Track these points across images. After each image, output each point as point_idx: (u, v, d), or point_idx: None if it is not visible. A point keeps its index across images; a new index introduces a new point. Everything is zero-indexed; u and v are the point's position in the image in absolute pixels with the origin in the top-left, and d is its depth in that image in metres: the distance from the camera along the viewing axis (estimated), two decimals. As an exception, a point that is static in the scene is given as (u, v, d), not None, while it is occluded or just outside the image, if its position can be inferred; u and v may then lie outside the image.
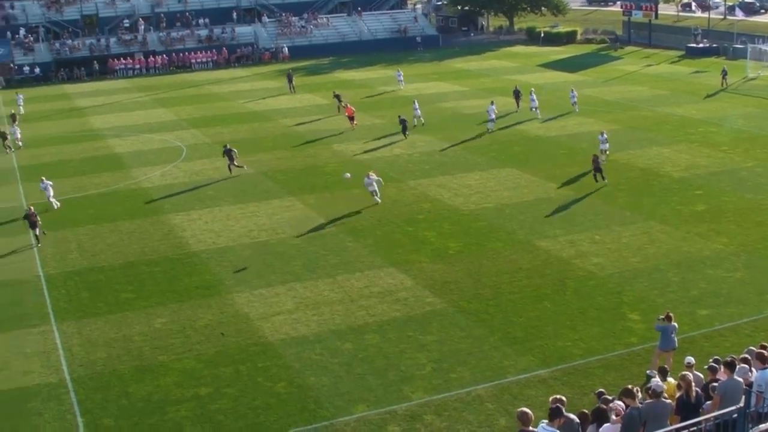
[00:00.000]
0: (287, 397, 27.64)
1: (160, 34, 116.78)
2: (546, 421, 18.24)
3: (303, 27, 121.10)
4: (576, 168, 52.28)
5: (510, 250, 39.57)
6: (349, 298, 34.85)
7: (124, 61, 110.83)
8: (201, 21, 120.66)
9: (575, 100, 69.77)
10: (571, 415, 18.65)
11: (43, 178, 50.66)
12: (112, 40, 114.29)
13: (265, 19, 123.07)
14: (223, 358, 30.48)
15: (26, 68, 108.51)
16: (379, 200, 46.77)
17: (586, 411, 19.43)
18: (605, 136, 53.41)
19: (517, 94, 71.63)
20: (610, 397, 20.21)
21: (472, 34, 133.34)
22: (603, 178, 48.34)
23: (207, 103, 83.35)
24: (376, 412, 26.33)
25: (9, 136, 67.06)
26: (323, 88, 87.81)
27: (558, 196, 47.37)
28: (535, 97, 68.72)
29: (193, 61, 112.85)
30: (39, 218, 44.04)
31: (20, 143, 67.55)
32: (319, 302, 34.48)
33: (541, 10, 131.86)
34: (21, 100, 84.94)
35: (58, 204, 49.57)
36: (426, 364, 29.16)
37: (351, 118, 67.64)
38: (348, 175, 45.18)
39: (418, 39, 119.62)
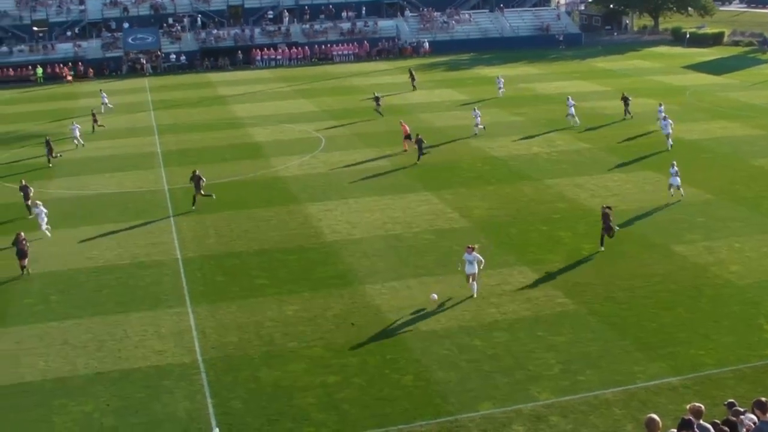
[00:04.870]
0: (413, 390, 27.73)
1: (304, 26, 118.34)
2: (674, 430, 17.93)
3: (445, 22, 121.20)
4: (717, 172, 51.14)
5: (645, 253, 38.90)
6: (480, 295, 34.69)
7: (267, 52, 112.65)
8: (344, 14, 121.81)
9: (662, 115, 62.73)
10: (706, 424, 18.26)
11: (38, 202, 45.99)
12: (257, 30, 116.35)
13: (407, 13, 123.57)
14: (352, 348, 30.74)
15: (173, 56, 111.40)
16: (476, 293, 34.73)
17: (717, 421, 19.02)
18: (675, 168, 46.16)
19: (626, 101, 68.55)
20: (741, 409, 19.74)
21: (615, 34, 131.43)
22: (602, 243, 39.55)
23: (347, 96, 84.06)
24: (501, 410, 26.22)
25: (79, 132, 65.34)
26: (463, 84, 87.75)
27: (697, 200, 46.29)
28: (572, 102, 66.81)
29: (334, 53, 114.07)
30: (28, 246, 39.76)
31: (78, 142, 65.47)
32: (452, 299, 34.41)
33: (687, 10, 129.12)
34: (105, 98, 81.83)
35: (49, 235, 44.50)
36: (554, 365, 28.91)
37: (406, 136, 60.14)
38: (434, 296, 34.08)
39: (560, 37, 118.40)
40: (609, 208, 39.65)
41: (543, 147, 59.70)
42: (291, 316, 33.61)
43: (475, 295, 34.46)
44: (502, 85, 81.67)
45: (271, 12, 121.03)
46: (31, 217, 46.41)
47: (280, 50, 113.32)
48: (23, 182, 49.67)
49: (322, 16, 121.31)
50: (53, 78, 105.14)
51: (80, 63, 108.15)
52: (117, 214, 47.57)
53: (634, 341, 30.40)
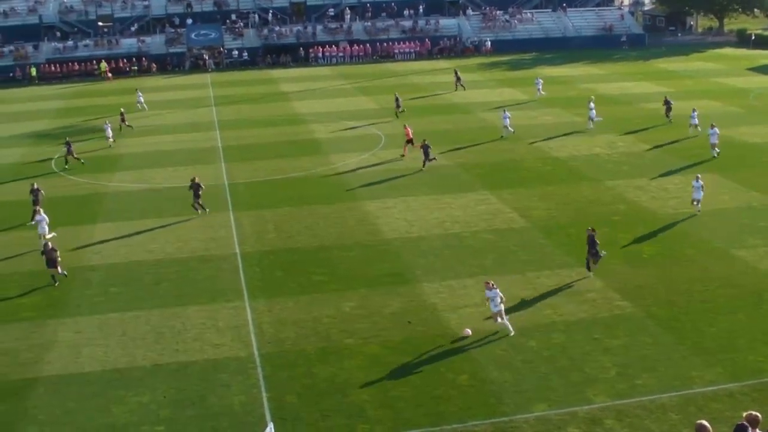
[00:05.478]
0: (468, 389, 27.70)
1: (365, 23, 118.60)
2: (728, 436, 17.75)
3: (507, 21, 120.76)
4: (781, 177, 50.50)
5: (705, 257, 38.48)
6: (538, 295, 34.61)
7: (328, 49, 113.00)
8: (406, 12, 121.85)
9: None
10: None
11: (39, 209, 44.81)
12: (319, 28, 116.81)
13: (469, 12, 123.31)
14: (408, 346, 30.77)
15: (235, 53, 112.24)
16: (512, 330, 31.51)
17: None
18: (700, 182, 44.28)
19: (667, 105, 67.50)
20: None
21: (679, 35, 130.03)
22: (588, 268, 36.86)
23: (408, 94, 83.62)
24: (555, 412, 26.10)
25: (111, 131, 65.30)
26: (524, 84, 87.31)
27: (761, 205, 45.67)
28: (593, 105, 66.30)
29: (395, 51, 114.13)
30: (58, 254, 38.20)
31: (110, 140, 65.57)
32: (507, 298, 33.95)
33: (753, 11, 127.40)
34: (141, 97, 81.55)
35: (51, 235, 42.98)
36: (611, 368, 28.71)
37: (408, 141, 58.66)
38: (468, 331, 31.74)
39: (623, 38, 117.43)
40: (594, 230, 36.80)
41: (604, 148, 59.25)
42: (348, 313, 33.73)
43: (511, 332, 31.43)
44: (540, 87, 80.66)
45: (332, 9, 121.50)
46: (32, 223, 44.33)
47: (341, 47, 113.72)
48: (35, 185, 48.21)
49: (384, 14, 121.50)
50: (116, 72, 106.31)
51: (144, 58, 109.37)
52: (178, 208, 47.98)
53: (692, 346, 30.10)
